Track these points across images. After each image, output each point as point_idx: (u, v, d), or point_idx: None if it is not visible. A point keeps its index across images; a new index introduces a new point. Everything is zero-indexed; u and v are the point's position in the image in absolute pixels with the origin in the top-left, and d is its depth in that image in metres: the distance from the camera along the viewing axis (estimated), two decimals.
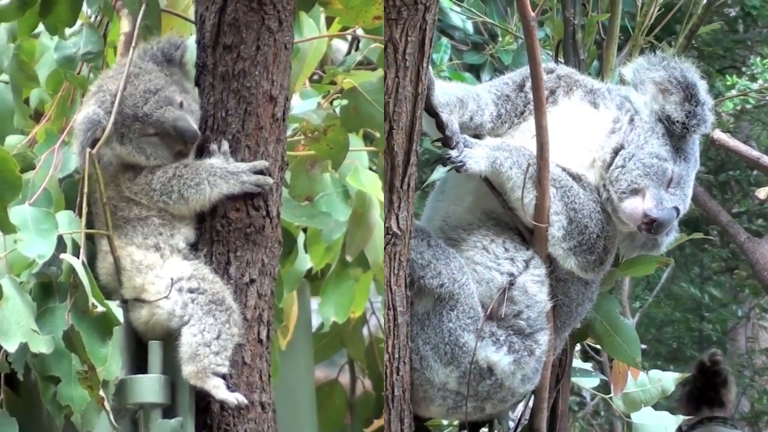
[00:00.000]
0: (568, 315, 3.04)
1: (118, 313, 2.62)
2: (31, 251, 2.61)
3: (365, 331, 4.02)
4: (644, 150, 2.95)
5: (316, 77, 3.67)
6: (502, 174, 2.92)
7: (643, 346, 4.73)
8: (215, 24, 2.79)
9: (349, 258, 3.50)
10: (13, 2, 3.06)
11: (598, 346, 3.42)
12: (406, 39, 2.79)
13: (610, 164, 2.97)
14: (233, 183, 2.76)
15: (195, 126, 2.77)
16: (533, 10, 2.82)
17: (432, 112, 2.88)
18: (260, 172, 2.78)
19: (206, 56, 2.81)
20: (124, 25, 3.14)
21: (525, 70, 3.02)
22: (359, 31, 3.44)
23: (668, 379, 3.39)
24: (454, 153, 2.87)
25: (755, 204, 7.02)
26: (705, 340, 7.83)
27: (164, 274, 2.74)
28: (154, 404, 2.72)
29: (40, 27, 3.16)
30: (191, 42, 2.89)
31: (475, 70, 4.69)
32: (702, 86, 2.96)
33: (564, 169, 2.97)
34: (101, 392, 2.56)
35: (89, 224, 2.75)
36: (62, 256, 2.62)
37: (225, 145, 2.79)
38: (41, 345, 2.56)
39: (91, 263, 2.72)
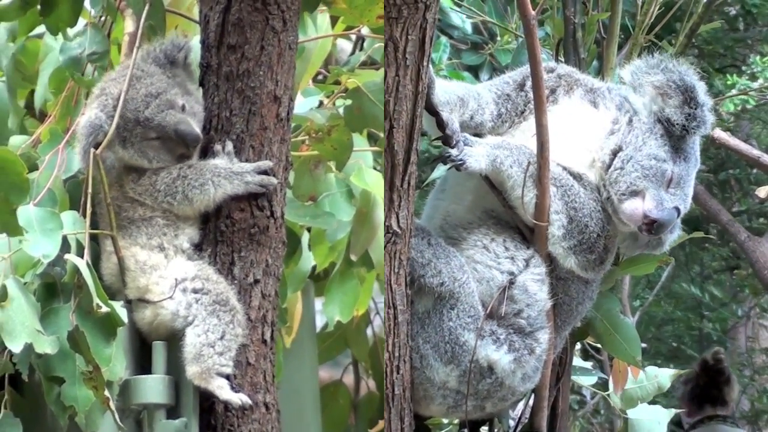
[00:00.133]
0: (568, 314, 3.04)
1: (123, 313, 2.62)
2: (37, 251, 2.60)
3: (369, 331, 4.01)
4: (642, 152, 2.95)
5: (320, 77, 3.66)
6: (503, 172, 2.92)
7: (643, 345, 4.74)
8: (219, 24, 2.78)
9: (353, 257, 3.49)
10: (15, 2, 3.06)
11: (599, 345, 3.43)
12: (406, 37, 2.79)
13: (609, 166, 2.97)
14: (237, 183, 2.76)
15: (197, 129, 2.76)
16: (533, 9, 2.82)
17: (432, 110, 2.88)
18: (264, 172, 2.77)
19: (210, 56, 2.81)
20: (128, 25, 3.14)
21: (525, 69, 3.02)
22: (364, 31, 3.44)
23: (664, 376, 3.38)
24: (454, 151, 2.87)
25: (755, 203, 7.00)
26: (705, 339, 7.80)
27: (168, 274, 2.74)
28: (158, 405, 2.72)
29: (44, 27, 3.15)
30: (195, 42, 2.88)
31: (474, 70, 4.68)
32: (701, 88, 2.95)
33: (564, 168, 2.98)
34: (105, 393, 2.56)
35: (93, 224, 2.75)
36: (66, 256, 2.62)
37: (229, 146, 2.78)
38: (46, 345, 2.56)
39: (96, 264, 2.72)
